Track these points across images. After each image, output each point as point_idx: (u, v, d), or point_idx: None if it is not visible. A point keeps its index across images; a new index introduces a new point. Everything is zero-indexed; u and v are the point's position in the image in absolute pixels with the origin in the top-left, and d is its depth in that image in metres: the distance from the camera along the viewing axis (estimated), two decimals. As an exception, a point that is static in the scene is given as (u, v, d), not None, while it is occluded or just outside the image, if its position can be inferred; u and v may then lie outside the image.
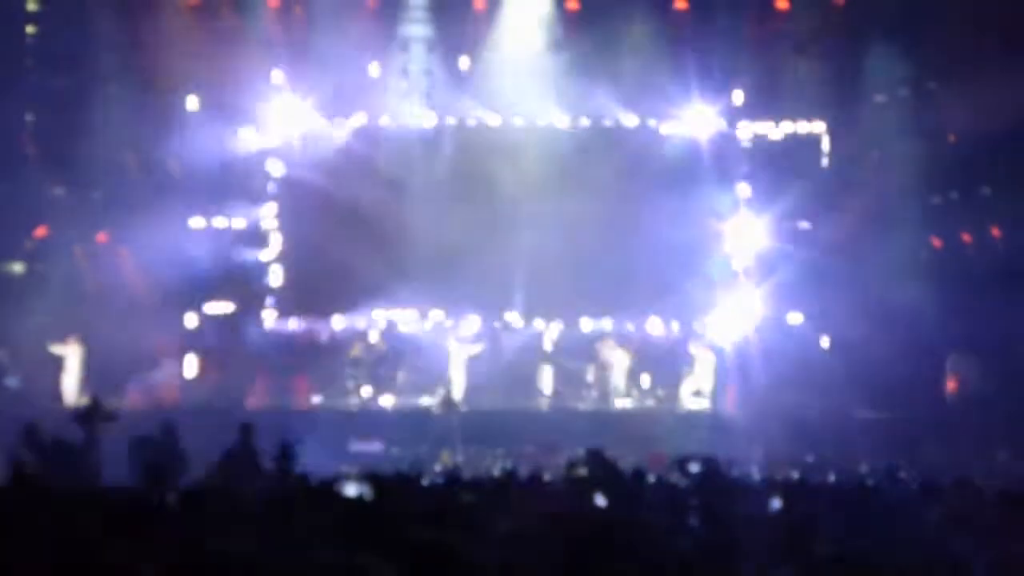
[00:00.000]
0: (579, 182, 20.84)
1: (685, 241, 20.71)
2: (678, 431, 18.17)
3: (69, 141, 20.26)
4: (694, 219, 20.95)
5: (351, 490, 6.91)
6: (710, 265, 21.19)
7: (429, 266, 20.52)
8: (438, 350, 20.69)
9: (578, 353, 20.96)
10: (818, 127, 21.50)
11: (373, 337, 21.07)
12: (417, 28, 21.40)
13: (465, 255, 20.06)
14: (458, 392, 20.21)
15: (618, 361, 20.62)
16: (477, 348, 20.70)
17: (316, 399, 20.77)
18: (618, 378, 20.57)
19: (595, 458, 9.71)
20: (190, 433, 12.04)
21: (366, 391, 20.71)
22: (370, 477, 7.49)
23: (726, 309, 21.31)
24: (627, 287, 20.67)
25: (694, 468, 9.47)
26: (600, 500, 7.49)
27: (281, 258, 21.77)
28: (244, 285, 21.44)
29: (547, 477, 10.67)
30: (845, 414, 18.92)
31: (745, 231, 21.53)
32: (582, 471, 9.38)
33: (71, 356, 19.72)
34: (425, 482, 9.85)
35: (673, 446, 15.80)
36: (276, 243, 21.75)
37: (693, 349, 21.03)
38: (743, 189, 21.73)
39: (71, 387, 19.66)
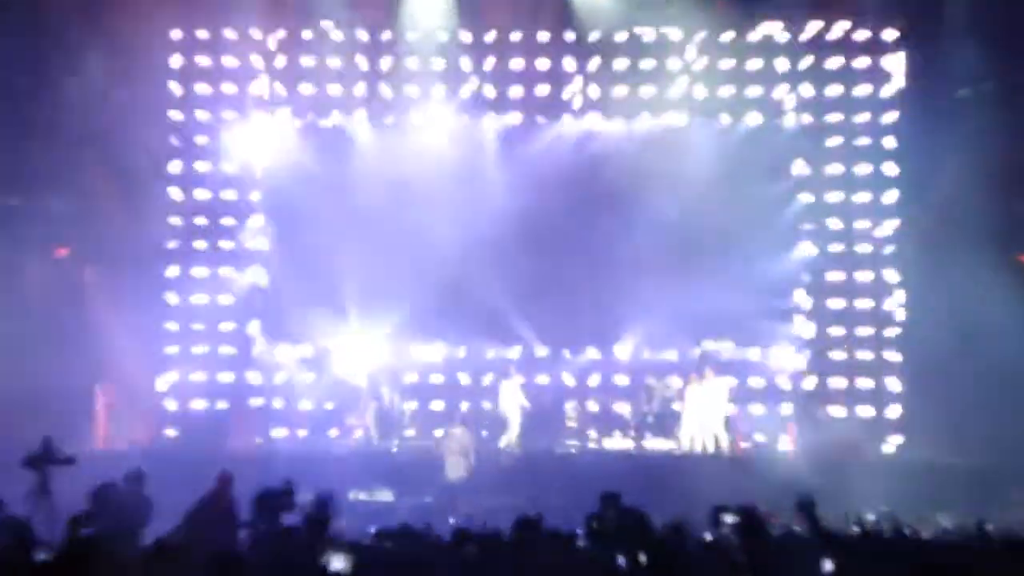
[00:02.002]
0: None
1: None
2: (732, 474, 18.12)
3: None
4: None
5: (336, 563, 6.72)
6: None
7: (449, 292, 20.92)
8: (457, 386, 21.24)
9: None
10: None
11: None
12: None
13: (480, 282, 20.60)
14: (515, 431, 20.31)
15: (714, 393, 20.17)
16: (518, 381, 20.74)
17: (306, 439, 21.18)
18: (712, 413, 20.13)
19: (613, 506, 9.59)
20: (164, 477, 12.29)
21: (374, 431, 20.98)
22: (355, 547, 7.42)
23: (791, 337, 21.79)
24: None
25: (730, 520, 9.37)
26: (622, 560, 7.42)
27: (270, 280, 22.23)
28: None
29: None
30: (924, 459, 18.98)
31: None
32: (608, 524, 9.28)
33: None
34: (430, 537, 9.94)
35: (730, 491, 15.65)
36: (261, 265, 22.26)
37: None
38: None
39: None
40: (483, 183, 21.37)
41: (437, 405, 21.98)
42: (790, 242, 21.92)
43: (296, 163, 22.01)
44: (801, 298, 22.15)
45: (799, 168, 22.21)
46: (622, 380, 22.09)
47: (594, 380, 22.19)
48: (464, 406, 21.54)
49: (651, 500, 11.19)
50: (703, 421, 19.98)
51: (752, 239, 21.16)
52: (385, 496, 18.23)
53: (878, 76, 21.71)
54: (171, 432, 21.39)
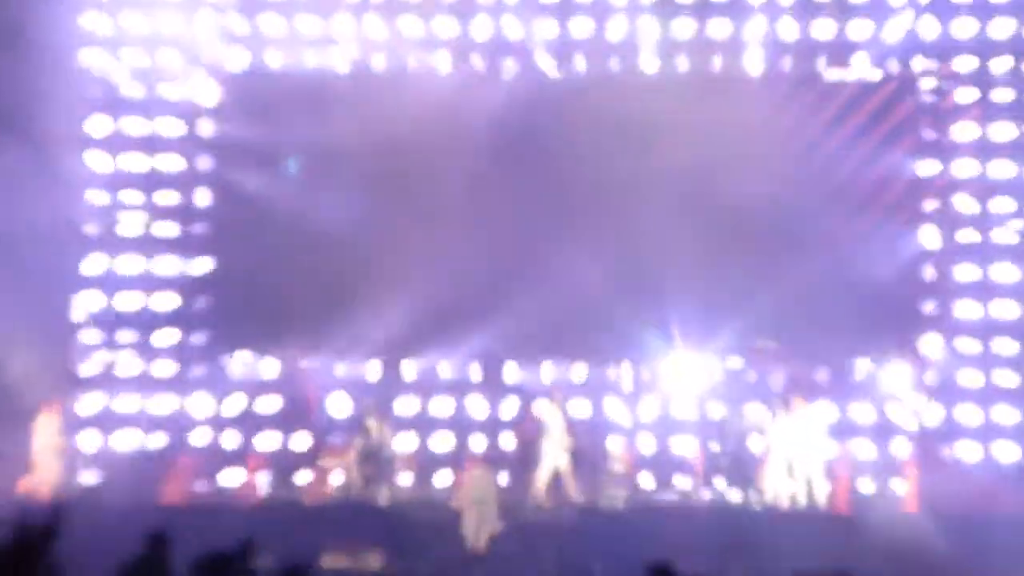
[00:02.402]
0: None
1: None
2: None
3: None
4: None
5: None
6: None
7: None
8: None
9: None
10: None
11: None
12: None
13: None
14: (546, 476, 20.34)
15: (806, 427, 20.08)
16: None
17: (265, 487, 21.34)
18: (804, 453, 19.93)
19: None
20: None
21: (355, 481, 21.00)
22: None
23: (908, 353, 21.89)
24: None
25: None
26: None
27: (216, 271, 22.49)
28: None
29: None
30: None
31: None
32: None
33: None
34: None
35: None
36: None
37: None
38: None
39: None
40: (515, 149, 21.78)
41: (443, 442, 21.95)
42: (903, 227, 21.84)
43: (258, 120, 22.03)
44: (922, 302, 22.06)
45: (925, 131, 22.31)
46: (685, 410, 21.99)
47: (648, 410, 22.09)
48: (479, 443, 21.71)
49: (724, 568, 10.58)
50: (792, 464, 19.83)
51: (852, 222, 21.25)
52: (372, 562, 18.24)
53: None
54: (88, 477, 21.30)
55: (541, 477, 20.25)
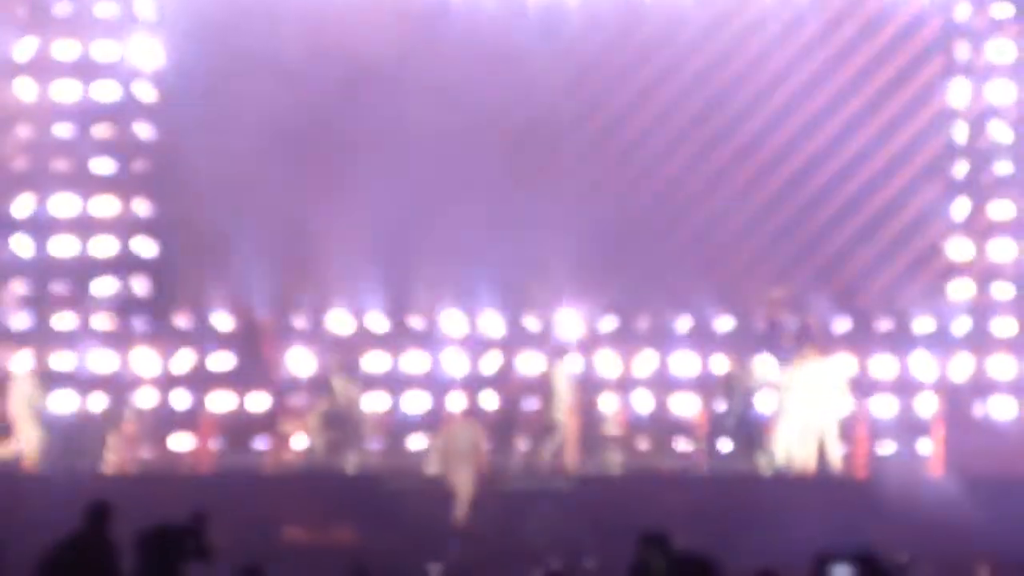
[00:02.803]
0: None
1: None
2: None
3: None
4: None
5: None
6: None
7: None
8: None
9: None
10: None
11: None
12: None
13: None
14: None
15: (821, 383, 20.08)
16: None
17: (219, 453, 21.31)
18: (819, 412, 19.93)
19: (659, 553, 9.50)
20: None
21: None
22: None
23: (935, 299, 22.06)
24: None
25: (842, 572, 9.32)
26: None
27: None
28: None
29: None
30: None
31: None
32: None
33: None
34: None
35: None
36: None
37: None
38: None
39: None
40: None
41: (416, 402, 21.86)
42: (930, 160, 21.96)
43: (205, 41, 22.19)
44: (952, 242, 22.15)
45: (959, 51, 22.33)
46: (686, 364, 21.84)
47: (645, 363, 21.88)
48: (459, 401, 21.59)
49: (727, 541, 10.93)
50: (805, 424, 19.80)
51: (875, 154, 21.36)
52: (340, 536, 18.42)
53: None
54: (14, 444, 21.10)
55: (550, 446, 20.21)
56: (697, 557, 9.68)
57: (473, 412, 20.81)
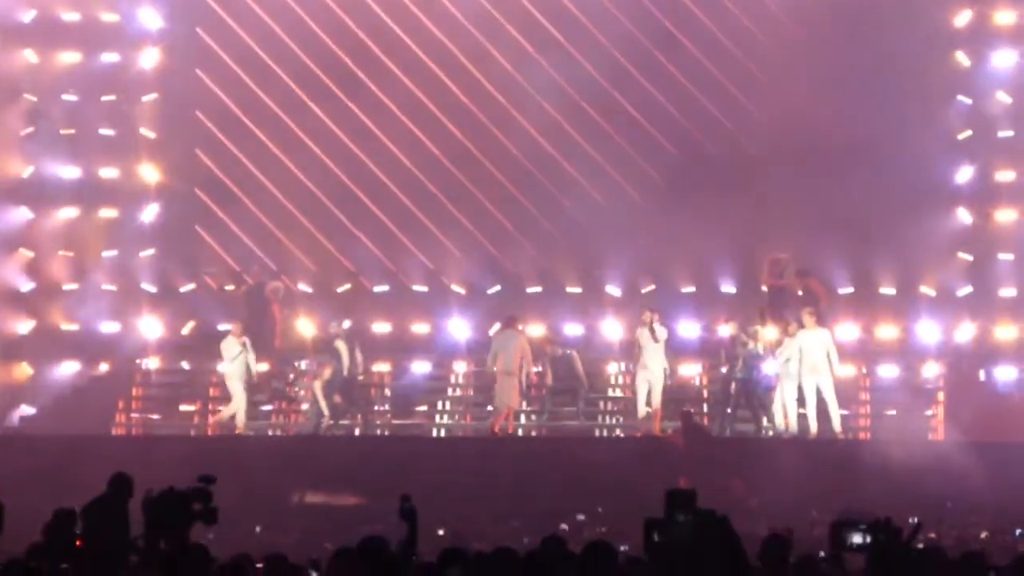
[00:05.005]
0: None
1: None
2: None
3: None
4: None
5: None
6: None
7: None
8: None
9: None
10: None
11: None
12: None
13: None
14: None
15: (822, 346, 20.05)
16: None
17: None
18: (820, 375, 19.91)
19: (686, 510, 9.17)
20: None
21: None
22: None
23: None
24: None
25: (856, 539, 9.18)
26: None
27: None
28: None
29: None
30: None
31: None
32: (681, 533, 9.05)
33: None
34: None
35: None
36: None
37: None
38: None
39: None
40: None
41: (422, 366, 21.92)
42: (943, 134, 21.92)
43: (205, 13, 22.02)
44: (957, 211, 22.09)
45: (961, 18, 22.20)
46: (687, 326, 21.91)
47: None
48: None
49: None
50: (806, 387, 19.80)
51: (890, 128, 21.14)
52: (347, 500, 18.42)
53: None
54: (25, 409, 21.31)
55: (640, 406, 20.24)
56: (718, 516, 9.68)
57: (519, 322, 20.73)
